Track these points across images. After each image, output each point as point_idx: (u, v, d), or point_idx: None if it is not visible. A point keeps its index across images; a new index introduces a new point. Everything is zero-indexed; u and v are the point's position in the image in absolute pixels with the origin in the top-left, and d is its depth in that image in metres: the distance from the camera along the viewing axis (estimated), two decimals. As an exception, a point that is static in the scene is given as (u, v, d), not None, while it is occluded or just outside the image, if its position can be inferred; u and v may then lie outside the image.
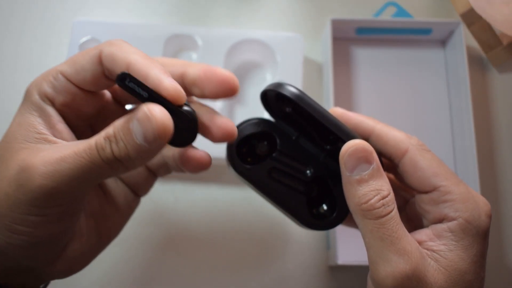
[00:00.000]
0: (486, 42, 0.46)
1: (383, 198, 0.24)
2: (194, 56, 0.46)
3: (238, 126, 0.28)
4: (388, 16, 0.49)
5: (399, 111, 0.46)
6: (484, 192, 0.41)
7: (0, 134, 0.26)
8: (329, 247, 0.42)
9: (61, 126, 0.25)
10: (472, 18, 0.43)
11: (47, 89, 0.25)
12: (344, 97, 0.46)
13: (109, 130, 0.22)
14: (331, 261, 0.40)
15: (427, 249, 0.25)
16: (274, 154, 0.28)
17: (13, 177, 0.22)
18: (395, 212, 0.24)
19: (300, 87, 0.43)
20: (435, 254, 0.25)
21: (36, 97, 0.25)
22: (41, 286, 0.28)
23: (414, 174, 0.26)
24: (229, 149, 0.28)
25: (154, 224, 0.42)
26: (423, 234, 0.26)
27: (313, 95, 0.44)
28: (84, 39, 0.44)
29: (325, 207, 0.28)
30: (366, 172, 0.25)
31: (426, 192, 0.26)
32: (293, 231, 0.42)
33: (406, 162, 0.27)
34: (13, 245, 0.23)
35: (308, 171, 0.28)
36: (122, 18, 0.48)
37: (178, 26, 0.45)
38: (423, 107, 0.46)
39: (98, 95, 0.27)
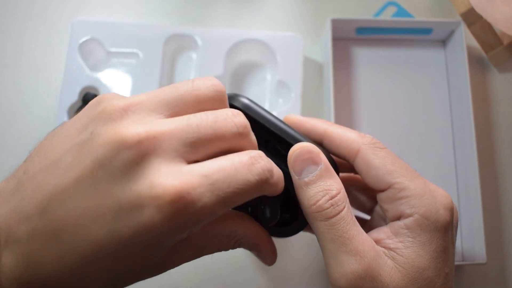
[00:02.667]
0: (487, 41, 0.45)
1: (332, 198, 0.24)
2: (194, 55, 0.46)
3: None
4: (388, 16, 0.49)
5: (400, 111, 0.46)
6: (484, 192, 0.41)
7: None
8: (329, 247, 0.42)
9: None
10: (472, 18, 0.43)
11: None
12: (344, 98, 0.46)
13: None
14: (331, 261, 0.40)
15: (385, 247, 0.25)
16: None
17: None
18: (346, 212, 0.24)
19: (300, 87, 0.43)
20: (392, 252, 0.24)
21: None
22: None
23: (368, 173, 0.26)
24: None
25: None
26: (381, 232, 0.26)
27: (313, 95, 0.45)
28: (83, 38, 0.44)
29: (286, 215, 0.28)
30: (313, 174, 0.24)
31: (382, 191, 0.26)
32: (293, 231, 0.42)
33: (359, 162, 0.26)
34: None
35: None
36: (122, 18, 0.48)
37: (178, 26, 0.45)
38: (423, 107, 0.46)
39: None
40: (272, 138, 0.28)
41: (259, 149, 0.27)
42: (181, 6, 0.49)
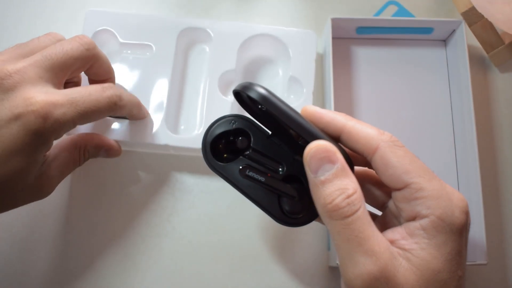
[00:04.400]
0: (488, 41, 0.45)
1: (348, 197, 0.24)
2: (207, 49, 0.46)
3: (214, 123, 0.29)
4: (389, 15, 0.49)
5: (400, 111, 0.46)
6: (485, 192, 0.41)
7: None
8: (329, 247, 0.41)
9: None
10: (473, 17, 0.43)
11: None
12: (345, 97, 0.46)
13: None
14: (332, 262, 0.40)
15: (400, 248, 0.24)
16: (247, 152, 0.29)
17: None
18: (362, 211, 0.24)
19: (312, 84, 0.43)
20: (407, 253, 0.24)
21: None
22: None
23: (385, 171, 0.26)
24: (204, 146, 0.29)
25: (152, 221, 0.42)
26: (396, 232, 0.25)
27: (314, 94, 0.44)
28: (97, 29, 0.43)
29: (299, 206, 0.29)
30: (330, 172, 0.24)
31: (398, 189, 0.26)
32: (294, 231, 0.42)
33: (377, 159, 0.26)
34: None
35: (280, 169, 0.28)
36: (131, 9, 0.48)
37: (192, 19, 0.44)
38: (424, 107, 0.46)
39: None
40: (290, 129, 0.28)
41: (276, 136, 0.29)
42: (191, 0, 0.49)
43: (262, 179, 0.28)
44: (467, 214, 0.25)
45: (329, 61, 0.43)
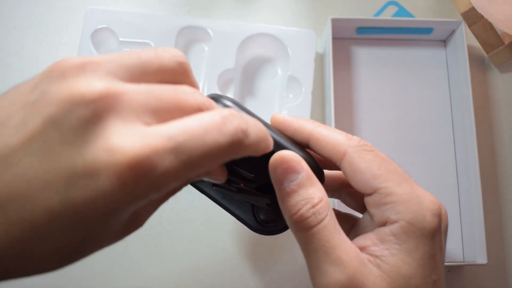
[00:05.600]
0: (488, 41, 0.45)
1: (313, 206, 0.23)
2: (206, 48, 0.46)
3: None
4: (388, 16, 0.49)
5: (400, 111, 0.46)
6: (485, 192, 0.41)
7: None
8: (329, 247, 0.41)
9: None
10: (473, 18, 0.43)
11: None
12: (345, 97, 0.46)
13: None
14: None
15: (370, 255, 0.24)
16: None
17: None
18: (329, 220, 0.23)
19: (311, 83, 0.43)
20: (377, 260, 0.24)
21: None
22: None
23: (354, 177, 0.25)
24: None
25: (151, 221, 0.42)
26: (367, 239, 0.25)
27: (314, 94, 0.44)
28: (96, 27, 0.43)
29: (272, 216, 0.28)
30: (294, 182, 0.24)
31: (368, 195, 0.25)
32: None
33: (345, 165, 0.26)
34: None
35: (253, 179, 0.28)
36: (131, 8, 0.48)
37: (191, 18, 0.45)
38: (424, 107, 0.46)
39: None
40: None
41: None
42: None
43: (234, 189, 0.27)
44: (439, 216, 0.25)
45: (329, 61, 0.43)
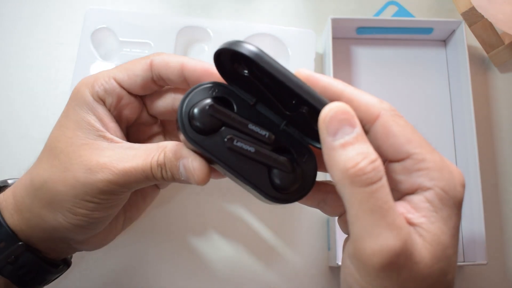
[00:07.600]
0: (488, 41, 0.45)
1: (372, 162, 0.21)
2: (206, 48, 0.46)
3: (191, 91, 0.26)
4: (389, 16, 0.49)
5: (400, 111, 0.45)
6: (485, 192, 0.41)
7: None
8: (329, 248, 0.41)
9: (113, 125, 0.30)
10: (473, 18, 0.43)
11: (99, 90, 0.29)
12: (345, 97, 0.46)
13: (161, 158, 0.27)
14: (332, 262, 0.40)
15: (408, 222, 0.23)
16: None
17: (81, 174, 0.28)
18: (386, 180, 0.22)
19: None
20: (418, 228, 0.23)
21: (89, 97, 0.29)
22: (68, 257, 0.34)
23: (386, 140, 0.24)
24: (180, 117, 0.25)
25: (152, 221, 0.42)
26: (400, 206, 0.23)
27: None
28: (96, 27, 0.43)
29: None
30: (350, 136, 0.22)
31: (398, 161, 0.24)
32: (294, 231, 0.42)
33: (378, 128, 0.24)
34: (70, 224, 0.29)
35: (268, 140, 0.26)
36: (135, 8, 0.48)
37: (191, 18, 0.44)
38: (424, 107, 0.46)
39: (139, 103, 0.31)
40: (279, 94, 0.25)
41: (259, 104, 0.27)
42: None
43: (252, 149, 0.25)
44: (464, 188, 0.24)
45: (329, 61, 0.43)
